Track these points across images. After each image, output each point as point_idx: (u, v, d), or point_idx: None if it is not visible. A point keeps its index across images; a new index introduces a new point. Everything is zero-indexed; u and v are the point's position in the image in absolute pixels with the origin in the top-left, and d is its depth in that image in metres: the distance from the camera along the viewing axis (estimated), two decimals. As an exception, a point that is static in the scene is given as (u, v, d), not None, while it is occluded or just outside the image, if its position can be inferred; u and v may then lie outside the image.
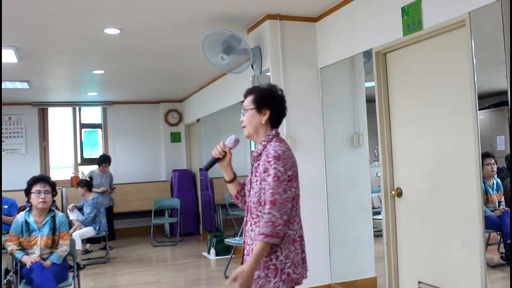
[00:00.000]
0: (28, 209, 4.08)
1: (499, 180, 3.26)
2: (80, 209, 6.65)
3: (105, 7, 3.84)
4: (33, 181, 3.99)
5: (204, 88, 7.70)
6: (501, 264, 3.19)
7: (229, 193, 2.42)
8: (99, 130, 9.16)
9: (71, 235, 4.82)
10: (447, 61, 3.07)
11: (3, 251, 4.15)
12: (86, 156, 9.06)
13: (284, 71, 4.27)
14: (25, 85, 6.75)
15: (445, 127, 3.13)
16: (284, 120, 2.35)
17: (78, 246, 5.81)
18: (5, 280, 4.38)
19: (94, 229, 6.38)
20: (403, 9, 3.29)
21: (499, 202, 3.24)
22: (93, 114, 9.18)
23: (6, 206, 5.66)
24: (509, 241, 3.13)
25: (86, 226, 6.33)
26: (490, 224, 3.09)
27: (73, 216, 6.50)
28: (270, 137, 2.20)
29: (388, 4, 3.45)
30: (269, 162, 2.08)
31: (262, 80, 4.38)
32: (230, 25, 4.38)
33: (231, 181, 2.35)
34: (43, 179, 4.02)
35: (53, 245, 3.97)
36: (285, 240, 2.10)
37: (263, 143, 2.19)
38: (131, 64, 5.97)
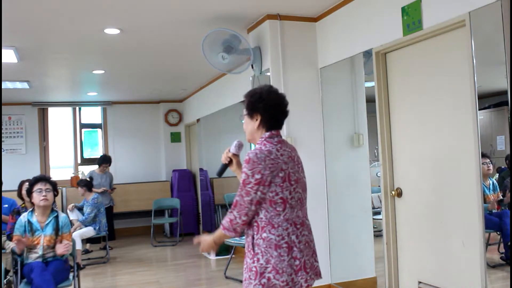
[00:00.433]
0: (31, 209, 4.09)
1: (494, 181, 3.26)
2: (80, 209, 6.66)
3: (105, 7, 3.84)
4: (35, 181, 4.04)
5: (204, 88, 7.70)
6: (501, 264, 3.19)
7: None
8: (99, 130, 9.16)
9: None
10: (447, 61, 3.07)
11: (3, 251, 4.16)
12: (86, 156, 9.06)
13: (284, 71, 4.27)
14: (25, 85, 6.75)
15: (445, 127, 3.13)
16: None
17: (78, 246, 5.81)
18: (5, 280, 4.39)
19: (94, 229, 6.38)
20: (403, 9, 3.29)
21: (498, 201, 3.24)
22: (93, 114, 9.18)
23: (6, 205, 5.66)
24: (509, 243, 3.13)
25: (86, 226, 6.33)
26: (490, 224, 3.09)
27: (73, 216, 6.50)
28: (262, 139, 2.22)
29: (388, 4, 3.45)
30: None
31: (262, 80, 4.38)
32: (230, 25, 4.38)
33: None
34: (44, 178, 4.08)
35: (56, 245, 3.99)
36: (266, 245, 2.10)
37: (257, 146, 2.23)
38: (131, 64, 5.97)
